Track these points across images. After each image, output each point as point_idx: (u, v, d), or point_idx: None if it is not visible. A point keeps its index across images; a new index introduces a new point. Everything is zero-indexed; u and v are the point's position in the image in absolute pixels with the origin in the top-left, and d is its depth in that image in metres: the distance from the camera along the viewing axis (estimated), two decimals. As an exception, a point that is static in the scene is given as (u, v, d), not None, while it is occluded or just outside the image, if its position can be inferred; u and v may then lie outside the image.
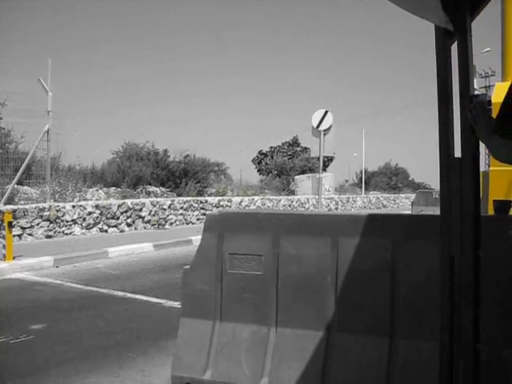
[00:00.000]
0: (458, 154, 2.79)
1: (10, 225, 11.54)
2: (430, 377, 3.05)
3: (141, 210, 19.07)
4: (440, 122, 2.84)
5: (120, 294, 9.01)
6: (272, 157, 46.74)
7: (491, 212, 4.79)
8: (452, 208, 2.76)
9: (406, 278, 3.70)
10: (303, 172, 38.59)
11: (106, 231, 17.66)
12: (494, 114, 2.77)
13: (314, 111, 15.67)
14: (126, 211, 18.47)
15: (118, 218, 18.16)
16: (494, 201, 4.05)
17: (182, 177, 25.29)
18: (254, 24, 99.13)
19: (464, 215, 2.70)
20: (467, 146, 2.72)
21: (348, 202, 36.56)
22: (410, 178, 59.34)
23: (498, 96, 6.84)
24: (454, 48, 2.79)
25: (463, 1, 2.71)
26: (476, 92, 3.11)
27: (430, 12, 2.65)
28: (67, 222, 16.30)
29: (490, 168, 7.15)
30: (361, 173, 49.56)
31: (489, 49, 36.11)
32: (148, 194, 22.63)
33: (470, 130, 2.70)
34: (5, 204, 14.57)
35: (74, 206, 16.62)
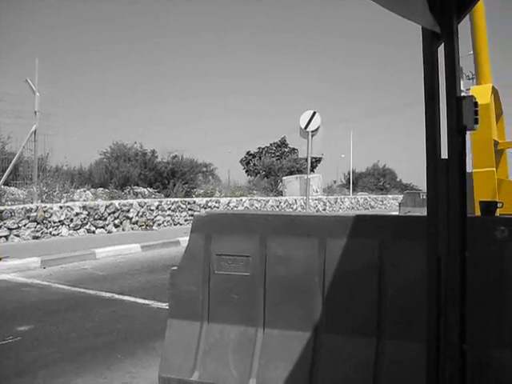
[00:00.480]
0: (444, 155, 2.80)
1: (-3, 226, 11.50)
2: (417, 378, 3.05)
3: (128, 210, 19.02)
4: (426, 124, 2.85)
5: (107, 295, 8.98)
6: (260, 158, 46.83)
7: (478, 213, 4.82)
8: (439, 209, 2.77)
9: (393, 278, 3.71)
10: (291, 173, 38.68)
11: (94, 232, 17.59)
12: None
13: (301, 112, 15.70)
14: (114, 212, 18.41)
15: (106, 219, 18.11)
16: (481, 202, 4.07)
17: (170, 178, 25.25)
18: (238, 27, 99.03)
19: (451, 216, 2.71)
20: (454, 148, 2.73)
21: (336, 202, 36.64)
22: (398, 179, 59.61)
23: None
24: (442, 50, 2.80)
25: (450, 3, 2.72)
26: (463, 93, 3.12)
27: (417, 14, 2.66)
28: (54, 222, 16.23)
29: (474, 170, 7.21)
30: (349, 174, 49.74)
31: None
32: (136, 194, 22.58)
33: (457, 131, 2.71)
34: (-9, 205, 14.50)
35: (61, 207, 16.55)
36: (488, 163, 7.29)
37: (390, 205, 44.03)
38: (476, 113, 2.80)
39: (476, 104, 2.82)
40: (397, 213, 26.54)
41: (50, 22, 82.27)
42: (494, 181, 7.35)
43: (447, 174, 2.73)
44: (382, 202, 44.49)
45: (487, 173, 7.25)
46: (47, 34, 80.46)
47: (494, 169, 7.44)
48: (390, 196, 46.89)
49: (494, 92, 7.67)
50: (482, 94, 7.11)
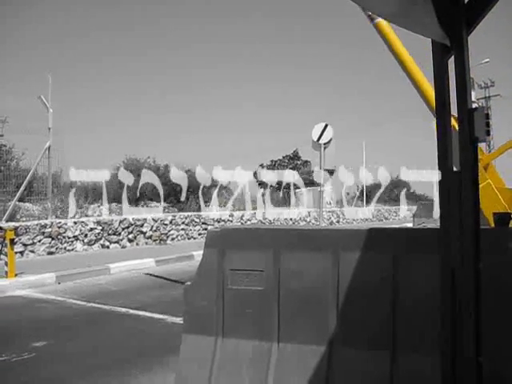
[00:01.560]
0: (456, 166, 2.80)
1: (12, 242, 11.55)
2: (433, 391, 3.04)
3: (142, 225, 19.07)
4: (438, 136, 2.85)
5: (122, 310, 8.99)
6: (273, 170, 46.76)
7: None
8: (452, 221, 2.76)
9: (407, 291, 3.70)
10: (304, 185, 38.59)
11: (108, 247, 17.65)
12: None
13: (313, 124, 15.68)
14: (128, 227, 18.47)
15: (120, 234, 18.16)
16: (494, 213, 4.06)
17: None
18: (247, 38, 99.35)
19: (464, 228, 2.71)
20: (466, 159, 2.73)
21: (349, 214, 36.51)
22: (411, 190, 59.19)
23: None
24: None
25: (459, 16, 2.73)
26: (474, 104, 3.12)
27: (426, 28, 2.68)
28: (69, 238, 16.30)
29: None
30: (362, 185, 49.47)
31: (487, 59, 36.33)
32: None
33: (469, 142, 2.71)
34: (7, 221, 14.59)
35: (75, 223, 16.63)
36: (481, 179, 7.45)
37: (404, 216, 43.78)
38: (488, 124, 2.80)
39: (487, 115, 2.82)
40: (411, 224, 26.40)
41: (49, 35, 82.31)
42: (494, 192, 7.42)
43: (460, 186, 2.73)
44: (396, 213, 44.27)
45: (485, 187, 7.36)
46: (47, 48, 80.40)
47: (490, 181, 7.57)
48: (404, 207, 46.60)
49: (453, 116, 7.84)
50: None
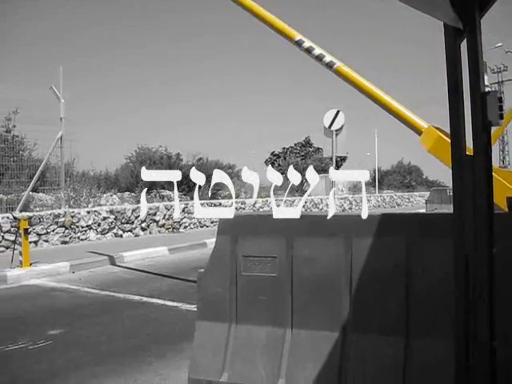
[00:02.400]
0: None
1: (26, 231, 11.63)
2: (447, 376, 3.03)
3: (155, 214, 19.14)
4: (451, 120, 2.83)
5: (136, 298, 9.05)
6: (285, 158, 46.80)
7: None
8: (465, 206, 2.75)
9: (420, 277, 3.69)
10: (316, 172, 38.52)
11: (121, 236, 17.73)
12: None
13: (324, 111, 15.60)
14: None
15: (133, 223, 18.23)
16: (508, 198, 4.03)
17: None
18: (256, 27, 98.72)
19: (477, 213, 2.69)
20: (479, 144, 2.71)
21: (362, 201, 36.47)
22: (424, 176, 59.01)
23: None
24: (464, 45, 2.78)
25: (472, -2, 2.70)
26: (487, 88, 3.09)
27: (438, 10, 2.65)
28: (82, 227, 16.39)
29: None
30: (374, 172, 49.40)
31: (500, 44, 35.97)
32: (162, 198, 22.68)
33: (482, 127, 2.69)
34: (20, 211, 14.67)
35: (88, 212, 16.71)
36: None
37: (416, 202, 43.69)
38: (501, 108, 2.78)
39: (501, 99, 2.79)
40: (424, 210, 26.30)
41: (54, 28, 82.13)
42: (498, 180, 7.37)
43: (473, 171, 2.71)
44: (409, 199, 44.19)
45: None
46: (54, 40, 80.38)
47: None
48: (417, 193, 46.53)
49: (435, 127, 7.76)
50: (430, 137, 7.28)
